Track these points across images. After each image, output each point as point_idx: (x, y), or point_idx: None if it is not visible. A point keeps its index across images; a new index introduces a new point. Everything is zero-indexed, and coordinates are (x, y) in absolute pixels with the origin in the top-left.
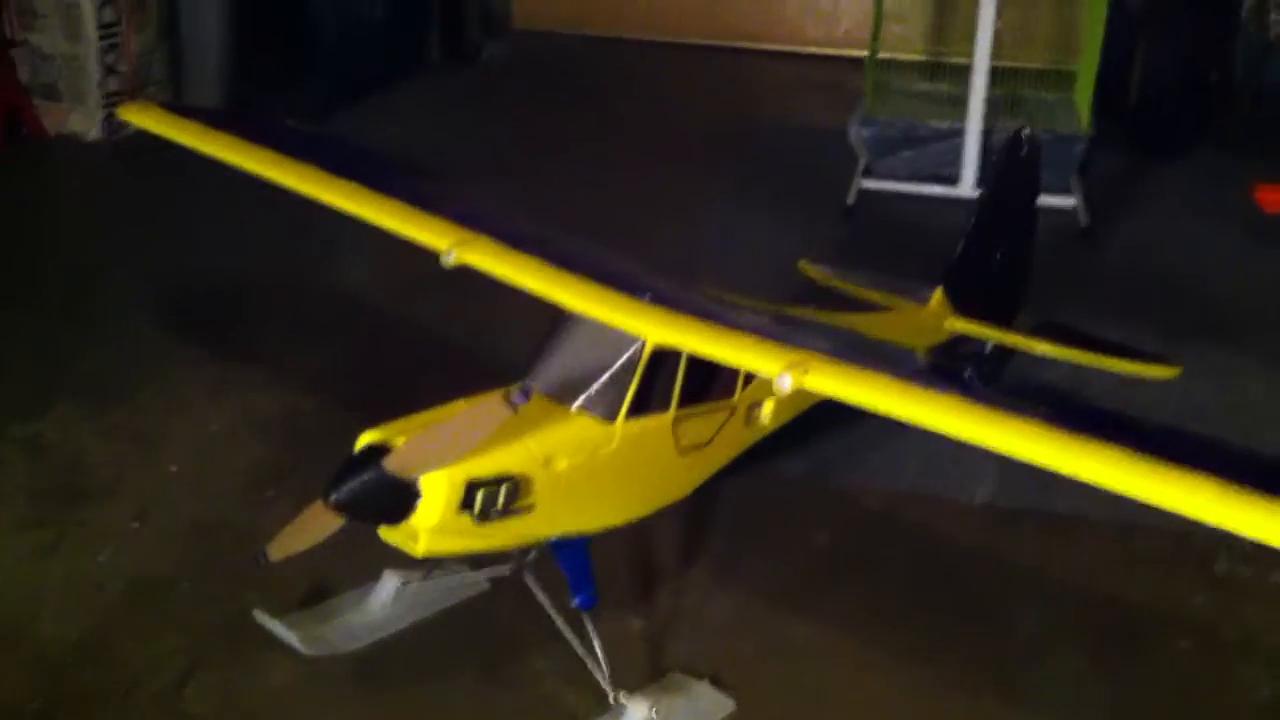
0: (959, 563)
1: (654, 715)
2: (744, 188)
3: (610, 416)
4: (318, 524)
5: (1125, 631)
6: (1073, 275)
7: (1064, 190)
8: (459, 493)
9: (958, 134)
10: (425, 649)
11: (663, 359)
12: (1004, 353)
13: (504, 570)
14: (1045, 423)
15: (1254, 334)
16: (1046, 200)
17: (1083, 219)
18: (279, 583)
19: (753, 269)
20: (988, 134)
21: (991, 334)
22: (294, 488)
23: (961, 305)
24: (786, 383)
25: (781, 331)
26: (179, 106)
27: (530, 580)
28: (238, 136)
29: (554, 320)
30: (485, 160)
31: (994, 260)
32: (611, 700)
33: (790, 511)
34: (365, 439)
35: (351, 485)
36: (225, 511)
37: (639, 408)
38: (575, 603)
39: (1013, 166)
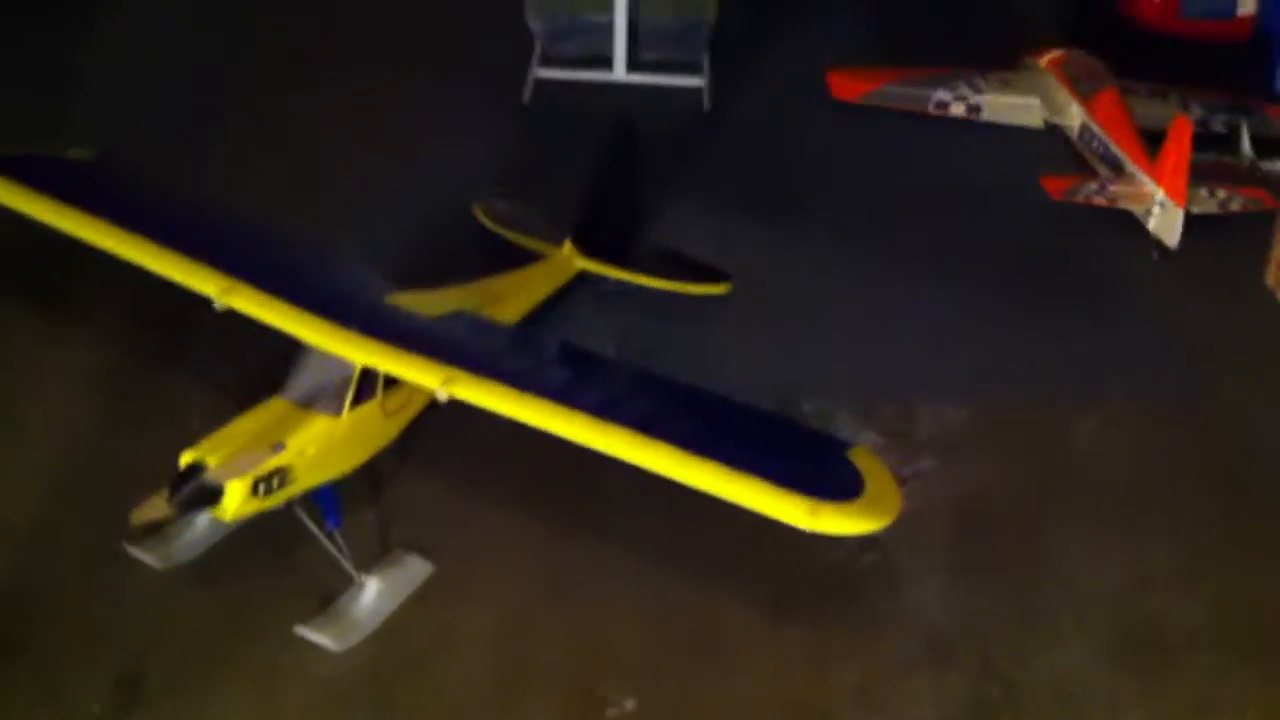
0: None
1: (381, 585)
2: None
3: (338, 412)
4: (161, 508)
5: None
6: (694, 160)
7: (695, 69)
8: (249, 487)
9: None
10: (233, 554)
11: (370, 368)
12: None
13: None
14: (629, 427)
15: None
16: (678, 81)
17: (706, 102)
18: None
19: (440, 195)
20: (633, 23)
21: (606, 270)
22: (123, 435)
23: (587, 249)
24: (442, 395)
25: (446, 343)
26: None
27: (299, 512)
28: (56, 198)
29: (295, 347)
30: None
31: (608, 214)
32: (356, 579)
33: (468, 416)
34: (187, 458)
35: (183, 494)
36: (81, 457)
37: (356, 401)
38: (328, 526)
39: (617, 143)
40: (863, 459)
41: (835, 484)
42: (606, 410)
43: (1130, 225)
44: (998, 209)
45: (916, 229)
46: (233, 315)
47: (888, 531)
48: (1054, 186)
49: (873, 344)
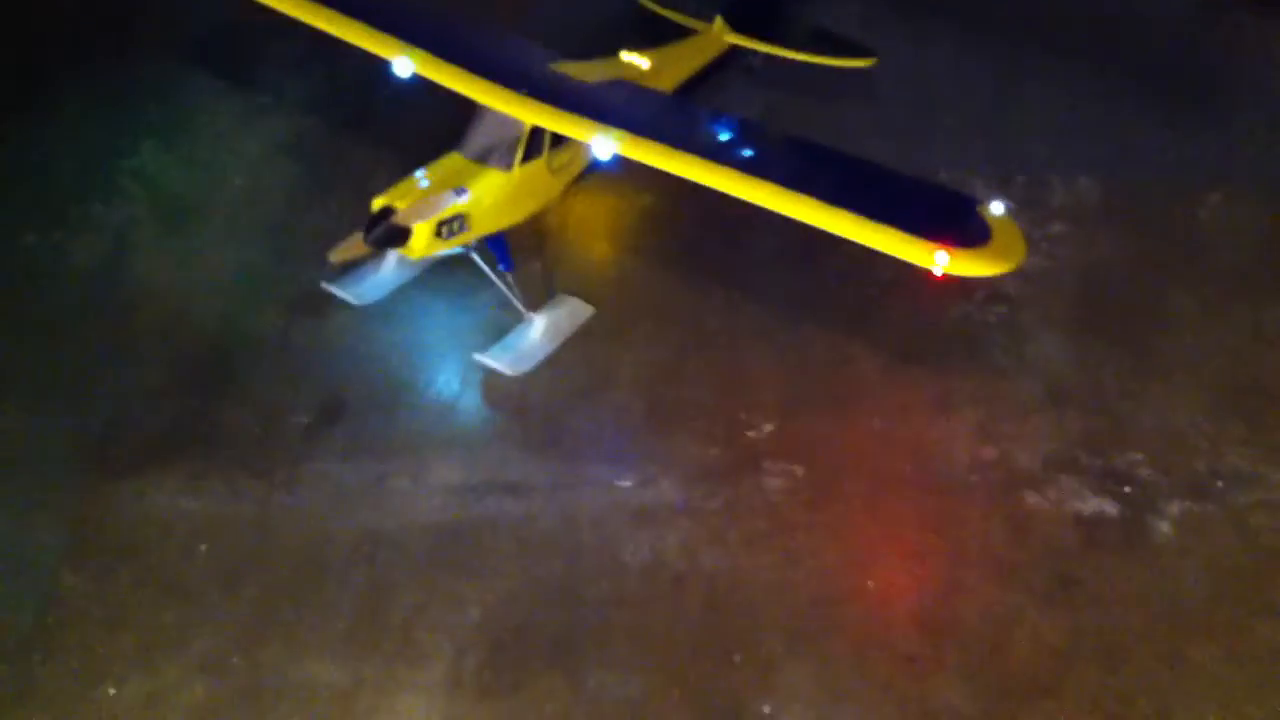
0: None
1: (549, 321)
2: None
3: (509, 167)
4: (358, 247)
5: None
6: None
7: None
8: (433, 229)
9: None
10: (418, 295)
11: (538, 128)
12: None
13: (460, 251)
14: (776, 181)
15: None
16: None
17: None
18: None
19: None
20: None
21: (755, 44)
22: (317, 192)
23: (737, 25)
24: (604, 151)
25: (608, 106)
26: None
27: (475, 257)
28: None
29: (474, 108)
30: None
31: None
32: (526, 317)
33: (623, 181)
34: (379, 202)
35: (377, 233)
36: (282, 215)
37: (526, 159)
38: (500, 268)
39: None
40: (991, 214)
41: (964, 232)
42: (756, 166)
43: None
44: None
45: (1056, 17)
46: (412, 89)
47: (1015, 287)
48: None
49: (1009, 125)
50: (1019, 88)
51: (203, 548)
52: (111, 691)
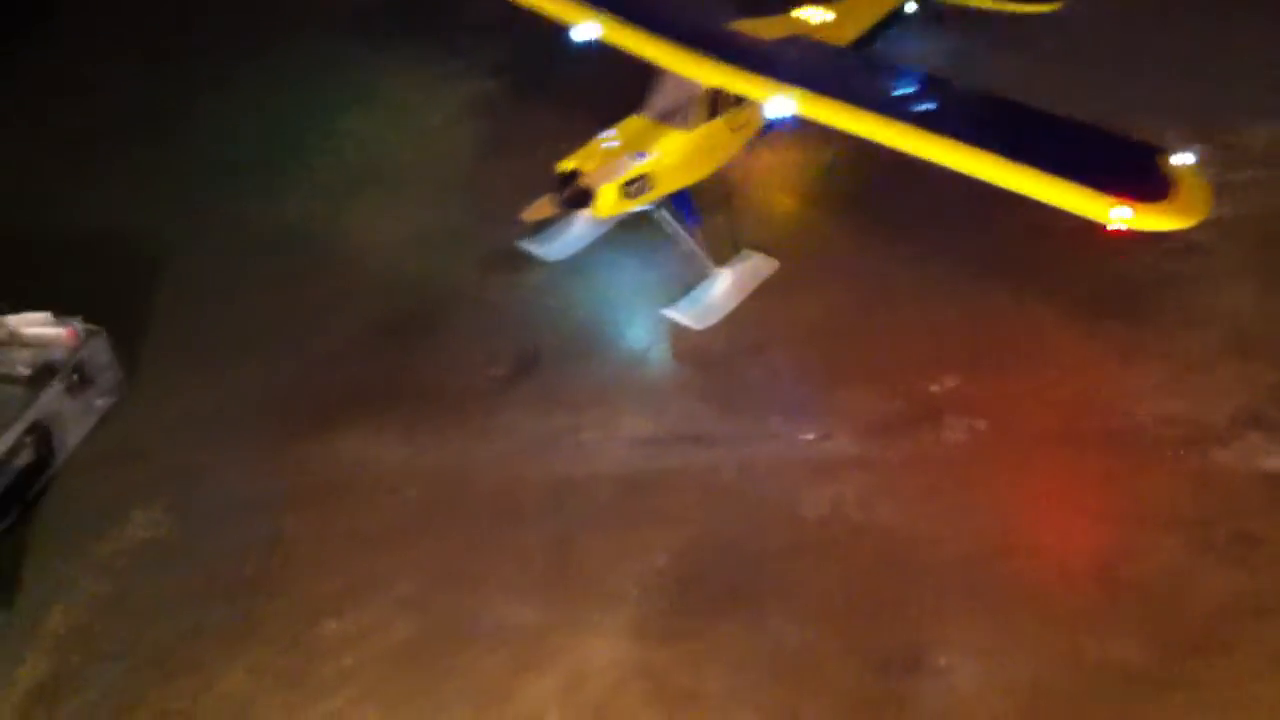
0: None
1: (733, 277)
2: None
3: (690, 128)
4: (547, 207)
5: None
6: None
7: None
8: (619, 189)
9: None
10: (607, 252)
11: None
12: None
13: (648, 208)
14: (953, 137)
15: None
16: None
17: None
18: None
19: None
20: None
21: None
22: (507, 153)
23: None
24: (784, 111)
25: (785, 64)
26: None
27: (661, 214)
28: None
29: (654, 71)
30: None
31: None
32: (712, 272)
33: (806, 135)
34: (566, 165)
35: (565, 195)
36: (473, 175)
37: (707, 118)
38: (687, 224)
39: None
40: (1173, 164)
41: (1144, 186)
42: (934, 121)
43: None
44: None
45: None
46: (591, 51)
47: (1206, 235)
48: None
49: (1214, 69)
50: (1227, 31)
51: (411, 493)
52: (330, 627)
